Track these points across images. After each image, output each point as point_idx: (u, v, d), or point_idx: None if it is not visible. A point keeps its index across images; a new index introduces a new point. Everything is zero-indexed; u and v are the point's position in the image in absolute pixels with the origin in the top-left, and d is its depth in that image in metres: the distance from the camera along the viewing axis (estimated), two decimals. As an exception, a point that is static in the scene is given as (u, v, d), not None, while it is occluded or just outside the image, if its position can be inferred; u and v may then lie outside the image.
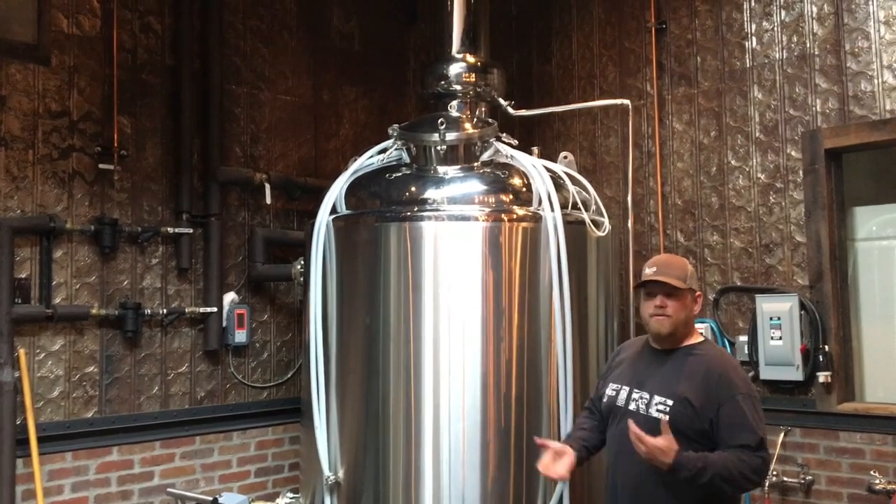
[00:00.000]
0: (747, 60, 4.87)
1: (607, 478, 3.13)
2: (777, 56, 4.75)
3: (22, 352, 4.15)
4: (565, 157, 4.76)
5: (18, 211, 4.22)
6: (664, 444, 2.77)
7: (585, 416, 3.38)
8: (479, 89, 4.74)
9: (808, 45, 4.64)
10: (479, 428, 3.96)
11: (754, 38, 4.85)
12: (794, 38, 4.69)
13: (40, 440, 4.12)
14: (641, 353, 3.20)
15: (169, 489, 4.50)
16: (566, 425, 4.02)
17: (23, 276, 4.20)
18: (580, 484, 4.11)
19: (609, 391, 3.16)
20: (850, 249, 4.66)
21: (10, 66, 4.23)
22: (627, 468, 2.99)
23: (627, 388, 3.09)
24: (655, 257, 3.26)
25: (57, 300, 4.30)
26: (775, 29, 4.77)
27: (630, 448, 2.85)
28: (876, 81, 4.39)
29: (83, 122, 4.46)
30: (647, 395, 3.00)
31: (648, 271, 3.07)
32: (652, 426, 2.85)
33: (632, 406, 3.03)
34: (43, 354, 4.26)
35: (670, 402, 2.92)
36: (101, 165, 4.46)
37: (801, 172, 4.63)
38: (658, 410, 2.92)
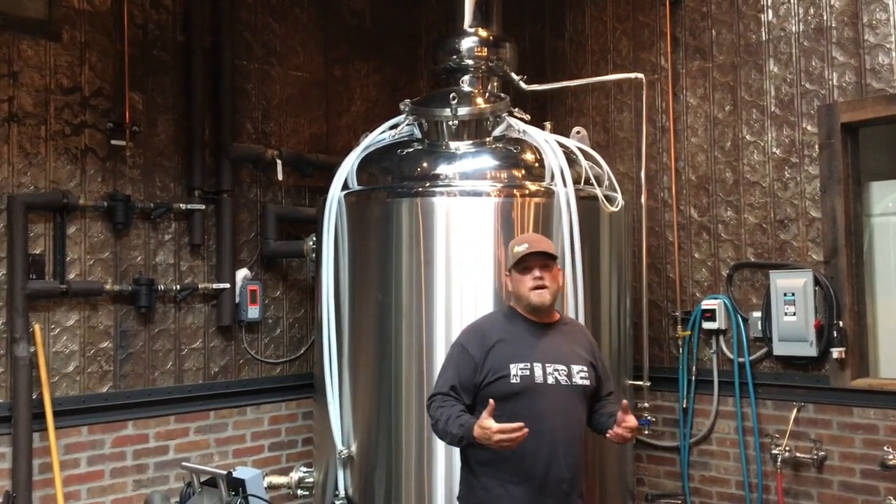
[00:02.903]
0: (763, 33, 4.80)
1: (535, 448, 3.00)
2: (793, 29, 4.69)
3: (37, 327, 4.18)
4: (578, 133, 4.73)
5: (32, 187, 4.24)
6: (635, 420, 3.13)
7: (452, 402, 3.11)
8: (490, 64, 4.70)
9: (824, 18, 4.57)
10: (491, 403, 3.97)
11: (770, 11, 4.78)
12: (811, 11, 4.62)
13: (56, 414, 4.16)
14: (522, 330, 3.19)
15: (184, 463, 4.52)
16: (578, 400, 4.02)
17: (37, 251, 4.23)
18: (592, 457, 4.12)
19: (517, 371, 3.09)
20: (865, 225, 4.62)
21: (22, 43, 4.23)
22: (562, 437, 3.10)
23: (540, 364, 3.13)
24: (520, 236, 3.38)
25: (71, 276, 4.32)
26: (792, 1, 4.70)
27: (563, 419, 3.10)
28: (894, 54, 4.32)
29: (95, 98, 4.46)
30: (564, 367, 3.16)
31: (521, 248, 3.20)
32: (577, 393, 3.17)
33: (550, 380, 3.11)
34: (58, 330, 4.30)
35: (585, 369, 3.21)
36: (113, 141, 4.47)
37: (816, 147, 4.58)
38: (582, 378, 3.18)
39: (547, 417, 3.07)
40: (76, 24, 4.41)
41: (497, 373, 3.11)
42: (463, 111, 4.25)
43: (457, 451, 3.87)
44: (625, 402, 3.14)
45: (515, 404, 3.06)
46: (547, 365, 3.14)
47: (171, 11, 4.78)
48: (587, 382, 3.20)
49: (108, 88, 4.50)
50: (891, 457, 4.17)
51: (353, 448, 4.17)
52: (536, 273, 3.17)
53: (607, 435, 3.17)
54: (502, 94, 4.63)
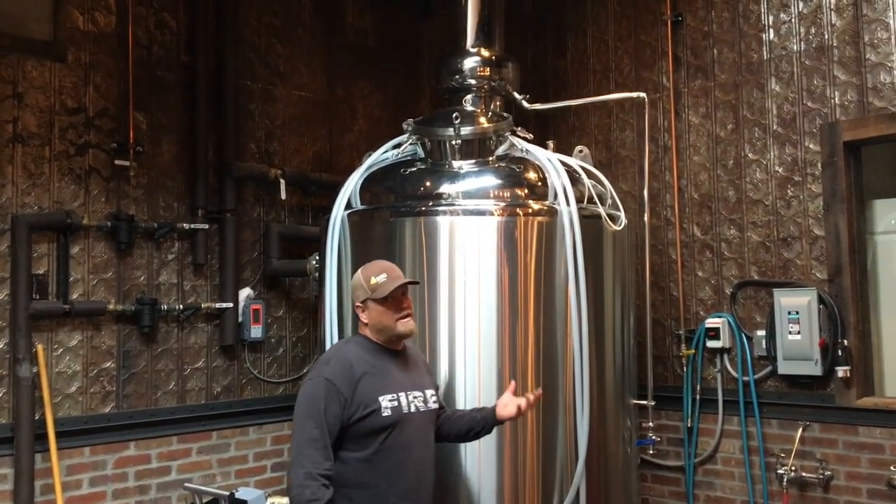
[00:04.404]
0: (765, 52, 4.82)
1: (404, 479, 3.04)
2: (795, 48, 4.71)
3: (40, 347, 4.17)
4: (581, 151, 4.74)
5: (36, 207, 4.24)
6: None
7: (321, 460, 2.91)
8: (493, 83, 4.72)
9: (826, 37, 4.59)
10: (494, 423, 3.95)
11: (772, 30, 4.80)
12: (812, 30, 4.64)
13: (58, 435, 4.14)
14: (383, 360, 3.14)
15: (186, 484, 4.49)
16: (582, 420, 4.00)
17: (40, 272, 4.23)
18: (596, 477, 4.10)
19: (387, 403, 3.04)
20: (869, 243, 4.62)
21: (27, 63, 4.25)
22: (425, 465, 3.15)
23: (403, 394, 3.11)
24: (372, 265, 3.25)
25: (74, 296, 4.32)
26: (793, 20, 4.72)
27: (423, 446, 3.16)
28: (896, 73, 4.34)
29: (99, 118, 4.48)
30: (419, 393, 3.18)
31: (381, 279, 3.12)
32: (432, 417, 3.26)
33: (412, 409, 3.11)
34: (61, 350, 4.29)
35: (435, 392, 3.31)
36: (117, 162, 4.48)
37: (819, 165, 4.58)
38: (434, 402, 3.26)
39: (412, 447, 3.09)
40: (81, 46, 4.43)
41: (368, 407, 3.01)
42: (466, 130, 4.26)
43: (462, 464, 3.85)
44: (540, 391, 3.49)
45: (386, 438, 3.03)
46: (409, 393, 3.13)
47: (175, 32, 4.81)
48: (437, 405, 3.28)
49: (112, 109, 4.52)
50: (897, 476, 4.15)
51: (357, 468, 4.14)
52: (405, 304, 3.16)
53: (511, 414, 3.37)
54: (505, 114, 4.65)
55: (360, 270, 3.25)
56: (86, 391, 4.35)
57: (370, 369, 3.07)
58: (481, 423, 3.42)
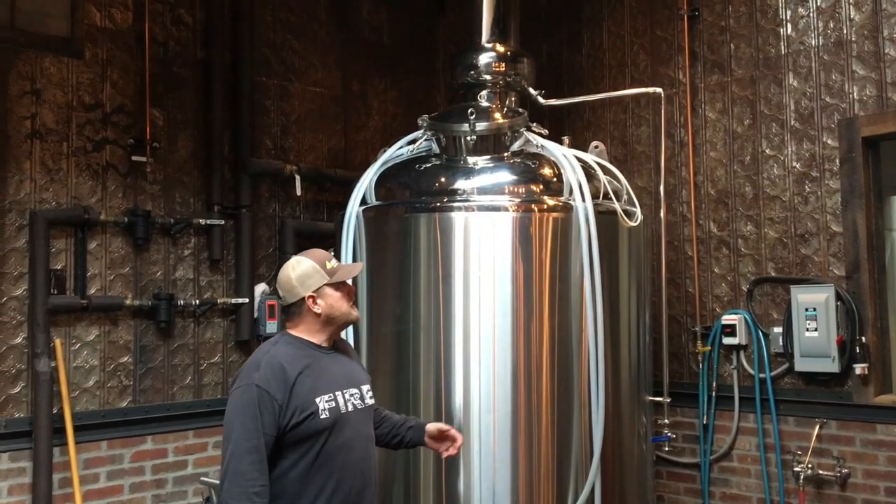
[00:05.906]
0: (782, 47, 4.79)
1: (347, 482, 2.87)
2: (813, 43, 4.67)
3: (58, 342, 4.21)
4: (596, 147, 4.72)
5: (53, 203, 4.27)
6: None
7: (256, 476, 2.69)
8: (508, 79, 4.71)
9: (844, 32, 4.55)
10: (509, 419, 3.95)
11: (789, 25, 4.77)
12: (831, 24, 4.60)
13: (76, 429, 4.18)
14: (314, 358, 2.92)
15: (202, 478, 4.54)
16: (598, 417, 3.99)
17: (58, 267, 4.26)
18: (611, 474, 4.09)
19: (324, 405, 2.83)
20: (887, 239, 4.58)
21: (45, 60, 4.28)
22: (366, 465, 2.96)
23: (340, 393, 2.91)
24: (315, 252, 3.06)
25: (92, 291, 4.35)
26: (811, 15, 4.68)
27: (364, 445, 2.98)
28: (915, 67, 4.29)
29: (116, 114, 4.50)
30: (356, 390, 2.99)
31: (335, 263, 2.97)
32: (370, 414, 3.07)
33: (350, 407, 2.92)
34: (78, 344, 4.32)
35: (369, 386, 3.10)
36: (133, 157, 4.51)
37: (837, 161, 4.55)
38: (370, 397, 3.07)
39: (353, 447, 2.90)
40: (98, 42, 4.46)
41: (305, 411, 2.78)
42: (481, 126, 4.25)
43: (474, 468, 3.85)
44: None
45: (325, 440, 2.82)
46: (345, 391, 2.93)
47: (191, 28, 4.83)
48: (373, 401, 3.09)
49: (129, 105, 4.55)
50: (916, 475, 4.12)
51: (371, 463, 4.16)
52: (352, 290, 3.01)
53: (444, 455, 3.22)
54: (520, 109, 4.63)
55: (303, 261, 2.98)
56: (103, 385, 4.39)
57: (303, 370, 2.84)
58: (408, 440, 3.28)
